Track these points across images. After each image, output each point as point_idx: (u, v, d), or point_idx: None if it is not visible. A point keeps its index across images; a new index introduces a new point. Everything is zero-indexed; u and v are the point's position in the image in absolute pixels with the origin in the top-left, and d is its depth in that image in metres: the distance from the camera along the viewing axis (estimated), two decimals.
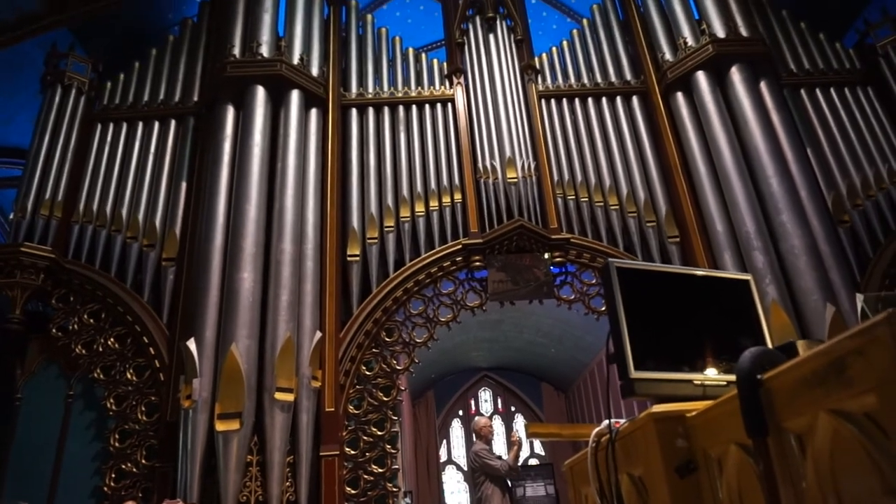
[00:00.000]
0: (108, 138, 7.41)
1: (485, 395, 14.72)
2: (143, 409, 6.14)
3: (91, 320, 6.52)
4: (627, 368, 1.49)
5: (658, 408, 1.38)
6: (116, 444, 6.02)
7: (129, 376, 6.26)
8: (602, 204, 7.06)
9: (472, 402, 14.56)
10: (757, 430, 0.97)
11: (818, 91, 7.79)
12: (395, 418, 6.37)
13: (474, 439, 6.46)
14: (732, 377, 1.55)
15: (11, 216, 6.86)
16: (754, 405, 0.97)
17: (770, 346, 1.82)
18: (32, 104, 7.64)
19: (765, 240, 6.22)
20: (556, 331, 10.94)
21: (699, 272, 1.82)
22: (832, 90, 7.81)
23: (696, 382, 1.55)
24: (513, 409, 14.54)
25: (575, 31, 8.52)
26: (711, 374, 1.62)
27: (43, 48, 7.73)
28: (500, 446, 13.06)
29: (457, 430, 14.36)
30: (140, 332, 6.36)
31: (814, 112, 7.62)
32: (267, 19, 7.24)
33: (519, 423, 14.48)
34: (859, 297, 5.85)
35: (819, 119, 7.56)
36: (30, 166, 6.99)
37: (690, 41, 7.38)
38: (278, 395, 5.50)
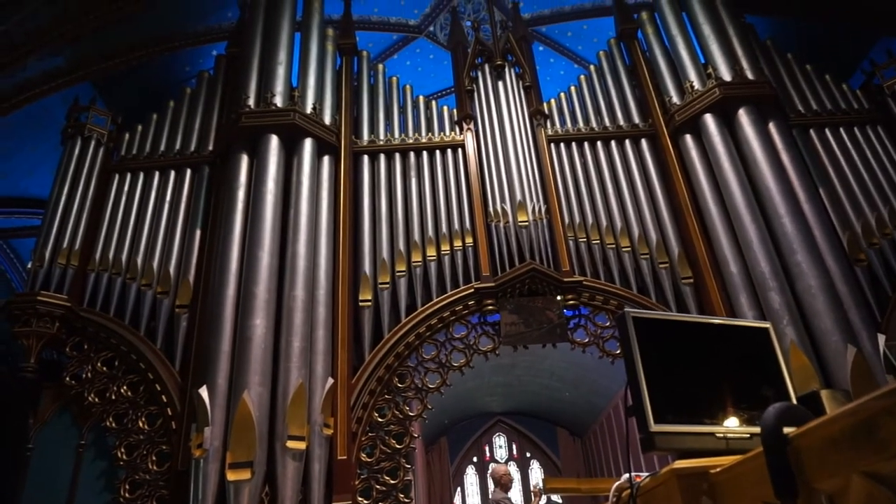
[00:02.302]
0: (126, 188, 7.57)
1: (499, 441, 14.45)
2: (154, 458, 6.07)
3: (104, 368, 6.52)
4: (647, 422, 1.46)
5: (680, 463, 1.34)
6: (127, 495, 5.93)
7: (140, 425, 6.21)
8: (614, 246, 7.04)
9: (487, 449, 14.28)
10: (786, 493, 0.93)
11: (827, 131, 7.82)
12: (408, 466, 6.24)
13: (492, 487, 6.32)
14: (756, 429, 1.51)
15: (30, 265, 6.95)
16: (782, 465, 0.94)
17: (791, 391, 1.78)
18: (53, 156, 7.85)
19: (780, 280, 6.15)
20: (570, 374, 10.78)
21: (716, 321, 1.79)
22: (841, 130, 7.84)
23: (718, 435, 1.51)
24: (528, 455, 14.24)
25: (582, 77, 8.67)
26: (734, 425, 1.58)
27: (65, 102, 7.98)
28: (513, 493, 12.72)
29: (471, 476, 14.05)
30: (153, 379, 6.34)
31: (824, 152, 7.63)
32: (281, 71, 7.44)
33: (535, 469, 14.15)
34: (881, 339, 5.73)
35: (830, 158, 7.57)
36: (48, 216, 7.12)
37: (697, 84, 7.48)
38: (290, 444, 5.42)
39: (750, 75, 7.40)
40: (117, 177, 7.66)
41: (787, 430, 1.04)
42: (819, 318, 5.90)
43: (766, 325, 1.80)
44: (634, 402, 1.50)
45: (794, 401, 1.75)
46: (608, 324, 6.77)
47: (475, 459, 14.16)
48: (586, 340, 6.79)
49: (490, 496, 6.20)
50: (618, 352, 6.62)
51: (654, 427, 1.46)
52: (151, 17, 8.04)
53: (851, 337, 5.77)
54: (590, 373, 10.13)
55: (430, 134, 7.96)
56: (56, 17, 7.22)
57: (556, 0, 9.89)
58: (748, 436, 1.50)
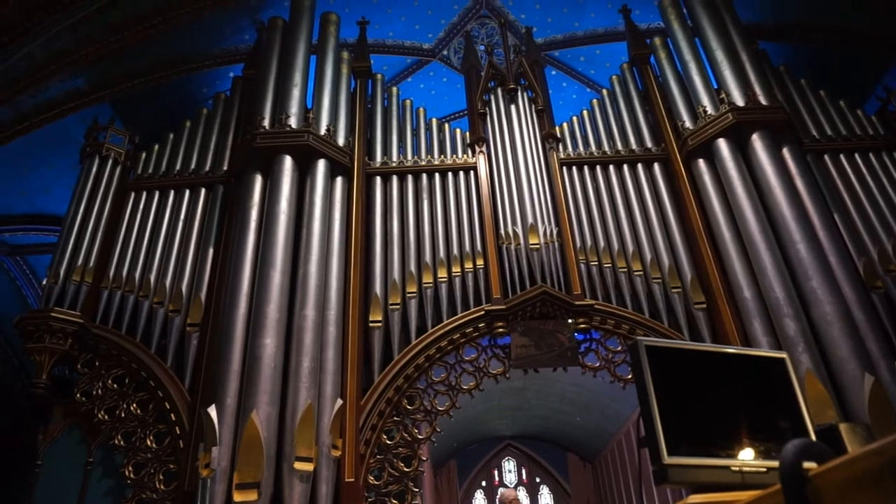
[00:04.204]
0: (141, 206, 7.66)
1: (508, 465, 14.27)
2: (162, 477, 6.05)
3: (115, 385, 6.53)
4: (660, 453, 1.43)
5: (695, 498, 1.31)
6: None
7: (149, 443, 6.20)
8: (626, 270, 7.00)
9: (496, 473, 14.11)
10: None
11: (842, 157, 7.78)
12: (417, 490, 6.16)
13: None
14: (772, 463, 1.48)
15: (45, 281, 7.02)
16: None
17: (809, 422, 1.74)
18: (71, 174, 7.97)
19: (795, 307, 6.07)
20: (581, 399, 10.67)
21: (731, 350, 1.76)
22: (856, 155, 7.79)
23: (733, 469, 1.47)
24: (538, 480, 14.05)
25: (595, 101, 8.71)
26: (749, 458, 1.55)
27: (84, 121, 8.13)
28: None
29: (479, 501, 13.86)
30: (162, 397, 6.35)
31: (839, 177, 7.58)
32: (296, 93, 7.54)
33: (544, 494, 13.95)
34: None
35: (845, 184, 7.51)
36: (64, 233, 7.21)
37: (710, 109, 7.47)
38: (298, 465, 5.38)
39: (763, 100, 7.39)
40: (133, 195, 7.75)
41: (806, 465, 1.01)
42: (835, 345, 5.80)
43: (783, 354, 1.77)
44: (647, 432, 1.47)
45: (812, 433, 1.72)
46: (620, 348, 6.70)
47: (484, 483, 13.99)
48: (597, 364, 6.72)
49: None
50: (629, 376, 6.54)
51: (668, 459, 1.43)
52: (171, 38, 8.20)
53: (869, 365, 5.67)
54: (601, 397, 10.02)
55: (442, 156, 8.01)
56: (78, 40, 7.38)
57: (569, 25, 9.98)
58: (765, 470, 1.47)
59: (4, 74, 6.95)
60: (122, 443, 6.22)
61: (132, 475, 6.06)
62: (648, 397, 1.49)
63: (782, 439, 1.57)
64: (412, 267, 7.00)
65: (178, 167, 7.95)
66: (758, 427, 1.64)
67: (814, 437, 1.60)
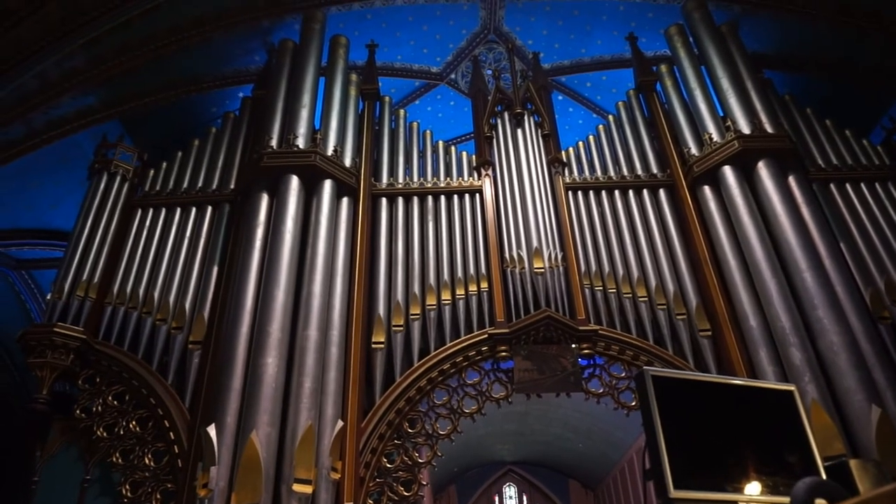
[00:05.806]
0: (147, 223, 7.70)
1: (509, 491, 14.09)
2: (159, 496, 5.99)
3: (115, 402, 6.50)
4: (666, 487, 1.40)
5: None
6: None
7: (147, 461, 6.15)
8: (630, 295, 6.96)
9: (496, 499, 13.92)
10: None
11: (848, 186, 7.77)
12: None
13: None
14: (781, 499, 1.45)
15: (49, 296, 7.03)
16: None
17: (818, 457, 1.71)
18: (79, 189, 8.03)
19: (801, 336, 6.02)
20: (584, 425, 10.56)
21: (738, 381, 1.74)
22: (862, 185, 7.78)
23: None
24: None
25: (601, 127, 8.76)
26: (755, 492, 1.52)
27: (94, 138, 8.22)
28: None
29: None
30: (162, 415, 6.30)
31: (845, 207, 7.56)
32: (304, 113, 7.61)
33: None
34: None
35: (851, 214, 7.49)
36: (71, 248, 7.24)
37: (716, 137, 7.50)
38: (296, 487, 5.31)
39: (769, 129, 7.42)
40: (140, 212, 7.80)
41: (818, 502, 0.99)
42: (842, 376, 5.74)
43: (791, 387, 1.75)
44: (653, 464, 1.45)
45: (821, 467, 1.68)
46: (623, 374, 6.65)
47: None
48: (601, 391, 6.66)
49: None
50: (633, 403, 6.49)
51: (674, 493, 1.40)
52: (182, 58, 8.31)
53: (876, 396, 5.60)
54: (604, 424, 9.91)
55: (448, 179, 8.04)
56: (91, 59, 7.48)
57: (576, 51, 10.08)
58: None
59: (16, 92, 7.04)
60: (120, 461, 6.17)
61: (129, 494, 6.00)
62: (654, 428, 1.47)
63: (790, 474, 1.54)
64: (416, 289, 6.98)
65: (185, 185, 8.00)
66: (765, 460, 1.62)
67: (823, 473, 1.57)
